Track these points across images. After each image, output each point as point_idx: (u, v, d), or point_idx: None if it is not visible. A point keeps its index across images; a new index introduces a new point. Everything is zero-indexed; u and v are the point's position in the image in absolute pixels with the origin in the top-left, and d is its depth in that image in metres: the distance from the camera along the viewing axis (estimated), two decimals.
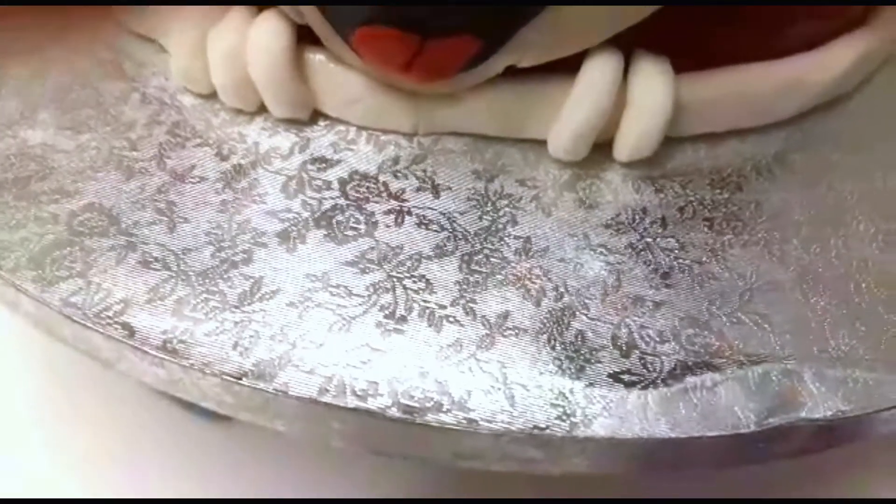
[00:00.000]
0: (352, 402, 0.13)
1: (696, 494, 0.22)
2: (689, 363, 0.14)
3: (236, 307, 0.14)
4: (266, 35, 0.16)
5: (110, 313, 0.14)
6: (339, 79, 0.17)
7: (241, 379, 0.13)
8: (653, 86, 0.16)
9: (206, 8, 0.17)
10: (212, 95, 0.18)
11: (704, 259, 0.16)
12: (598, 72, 0.16)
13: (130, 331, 0.14)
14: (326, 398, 0.13)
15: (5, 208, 0.16)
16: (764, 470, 0.21)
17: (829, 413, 0.13)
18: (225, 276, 0.15)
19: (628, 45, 0.16)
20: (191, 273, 0.15)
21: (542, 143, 0.17)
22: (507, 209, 0.16)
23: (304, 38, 0.17)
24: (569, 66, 0.16)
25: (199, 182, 0.16)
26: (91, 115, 0.18)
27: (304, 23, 0.16)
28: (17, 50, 0.19)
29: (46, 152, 0.17)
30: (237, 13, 0.17)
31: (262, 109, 0.18)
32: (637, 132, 0.16)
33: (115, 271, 0.15)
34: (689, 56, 0.17)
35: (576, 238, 0.16)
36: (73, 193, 0.16)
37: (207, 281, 0.15)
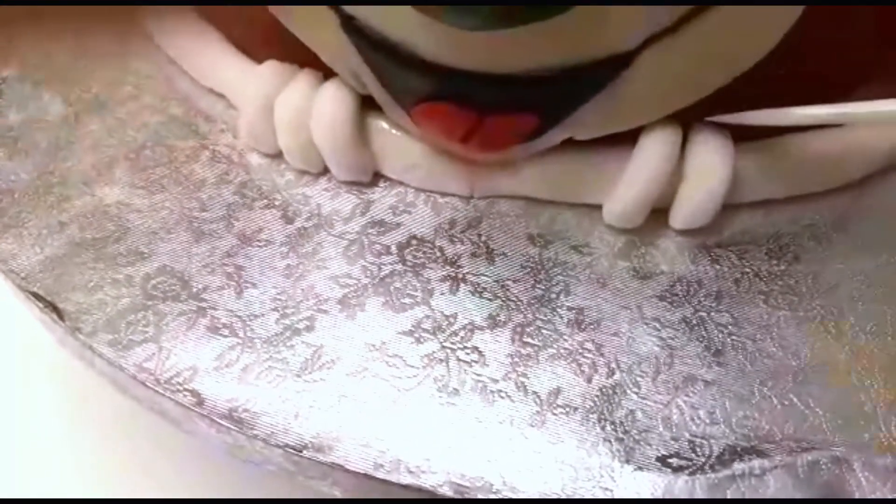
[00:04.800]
0: (405, 478, 0.14)
1: None
2: (738, 448, 0.14)
3: (298, 376, 0.15)
4: (330, 103, 0.17)
5: (180, 380, 0.15)
6: (398, 145, 0.17)
7: (301, 451, 0.14)
8: (711, 159, 0.16)
9: (276, 66, 0.18)
10: (277, 156, 0.19)
11: (758, 336, 0.16)
12: (656, 146, 0.16)
13: (199, 398, 0.15)
14: (381, 473, 0.14)
15: (84, 269, 0.17)
16: None
17: None
18: (288, 344, 0.15)
19: (686, 116, 0.16)
20: (256, 340, 0.16)
21: (597, 207, 0.17)
22: (560, 277, 0.17)
23: (366, 103, 0.17)
24: (626, 136, 0.16)
25: (265, 246, 0.17)
26: (164, 173, 0.19)
27: (367, 93, 0.17)
28: (92, 106, 0.20)
29: (122, 212, 0.18)
30: (304, 78, 0.18)
31: (325, 170, 0.18)
32: (694, 203, 0.17)
33: (185, 337, 0.16)
34: (748, 125, 0.17)
35: (629, 310, 0.16)
36: (147, 255, 0.17)
37: (272, 348, 0.15)
